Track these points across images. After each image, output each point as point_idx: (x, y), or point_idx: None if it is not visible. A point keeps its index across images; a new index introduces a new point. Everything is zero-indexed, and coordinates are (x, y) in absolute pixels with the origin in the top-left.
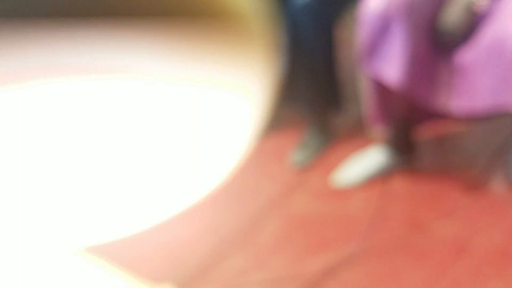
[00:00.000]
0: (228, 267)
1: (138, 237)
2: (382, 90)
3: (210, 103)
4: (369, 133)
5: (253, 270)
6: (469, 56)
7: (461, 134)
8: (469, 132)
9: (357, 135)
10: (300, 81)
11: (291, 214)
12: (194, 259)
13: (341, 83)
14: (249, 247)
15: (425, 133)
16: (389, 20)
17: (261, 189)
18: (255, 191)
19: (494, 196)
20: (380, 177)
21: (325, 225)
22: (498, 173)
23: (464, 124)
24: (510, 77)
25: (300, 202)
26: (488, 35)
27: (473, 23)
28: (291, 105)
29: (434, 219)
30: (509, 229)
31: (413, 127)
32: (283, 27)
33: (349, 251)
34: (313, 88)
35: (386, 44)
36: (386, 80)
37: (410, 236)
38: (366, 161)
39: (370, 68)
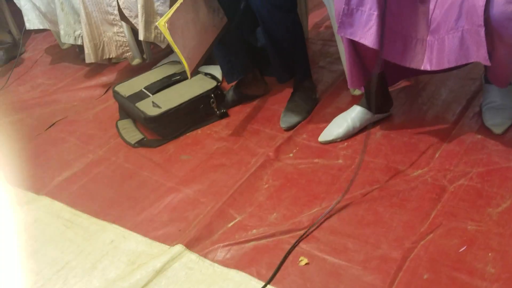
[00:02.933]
0: (231, 227)
1: (147, 203)
2: (357, 52)
3: None
4: (352, 91)
5: (254, 228)
6: (439, 16)
7: (435, 83)
8: (444, 81)
9: (341, 93)
10: (270, 52)
11: (283, 173)
12: (200, 221)
13: (307, 54)
14: (249, 206)
15: (400, 84)
16: None
17: (255, 150)
18: (250, 152)
19: (469, 141)
20: (362, 133)
21: (314, 180)
22: (473, 119)
23: (437, 73)
24: (478, 34)
25: (290, 160)
26: None
27: None
28: (268, 73)
29: (414, 166)
30: (484, 172)
31: (388, 83)
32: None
33: (336, 201)
34: (281, 59)
35: (359, 8)
36: (362, 43)
37: (392, 184)
38: (347, 118)
39: (346, 32)
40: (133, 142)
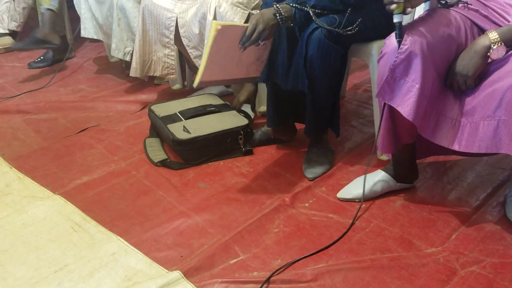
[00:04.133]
0: (233, 264)
1: (156, 223)
2: (393, 119)
3: None
4: (378, 155)
5: (256, 270)
6: (476, 100)
7: (463, 165)
8: (472, 165)
9: (368, 154)
10: (307, 104)
11: (296, 221)
12: (203, 251)
13: (339, 113)
14: (255, 247)
15: (429, 159)
16: (408, 55)
17: (272, 192)
18: (266, 193)
19: (488, 230)
20: (382, 198)
21: (326, 235)
22: (495, 208)
23: (467, 156)
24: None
25: (305, 210)
26: (498, 83)
27: (486, 69)
28: (298, 120)
29: (428, 243)
30: (498, 263)
31: (417, 156)
32: (298, 55)
33: (344, 261)
34: (315, 113)
35: (403, 78)
36: (399, 111)
37: (403, 256)
38: (370, 181)
39: (384, 97)
40: (156, 161)
